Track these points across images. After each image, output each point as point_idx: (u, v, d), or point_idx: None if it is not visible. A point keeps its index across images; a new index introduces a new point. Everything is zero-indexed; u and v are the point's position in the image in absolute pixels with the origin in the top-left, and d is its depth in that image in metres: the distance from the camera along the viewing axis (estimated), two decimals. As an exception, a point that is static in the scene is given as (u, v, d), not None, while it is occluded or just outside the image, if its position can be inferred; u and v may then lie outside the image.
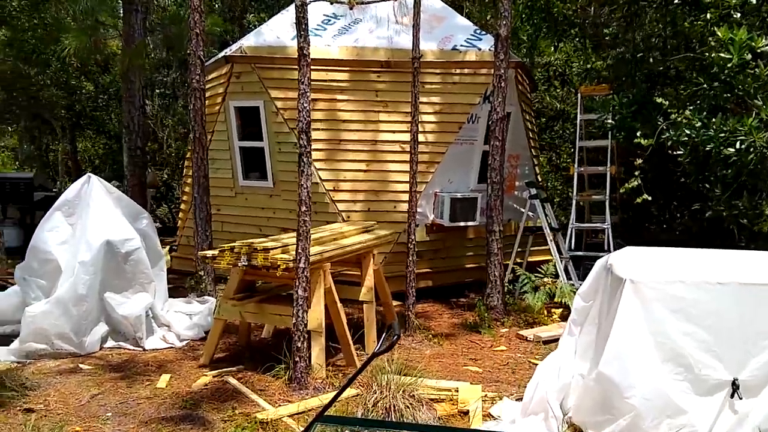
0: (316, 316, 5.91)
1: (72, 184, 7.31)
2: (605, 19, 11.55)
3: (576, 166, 9.46)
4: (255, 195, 9.83)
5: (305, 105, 5.49)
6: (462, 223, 9.38)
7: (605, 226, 9.17)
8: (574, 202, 9.40)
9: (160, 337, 7.08)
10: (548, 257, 10.34)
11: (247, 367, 6.27)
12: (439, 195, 9.29)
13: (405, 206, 9.09)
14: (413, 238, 7.36)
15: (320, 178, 9.12)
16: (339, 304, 6.34)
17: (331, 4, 5.23)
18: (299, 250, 5.53)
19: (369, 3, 5.21)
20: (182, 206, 11.31)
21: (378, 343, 4.33)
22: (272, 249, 5.81)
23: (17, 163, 21.06)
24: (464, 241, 9.75)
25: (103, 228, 6.84)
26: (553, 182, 14.87)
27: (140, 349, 6.84)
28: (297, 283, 5.55)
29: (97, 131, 17.01)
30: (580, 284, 8.70)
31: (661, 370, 4.54)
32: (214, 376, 6.06)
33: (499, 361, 6.81)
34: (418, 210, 9.24)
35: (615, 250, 9.36)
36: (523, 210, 10.26)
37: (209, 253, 6.09)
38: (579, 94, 9.67)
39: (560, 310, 8.41)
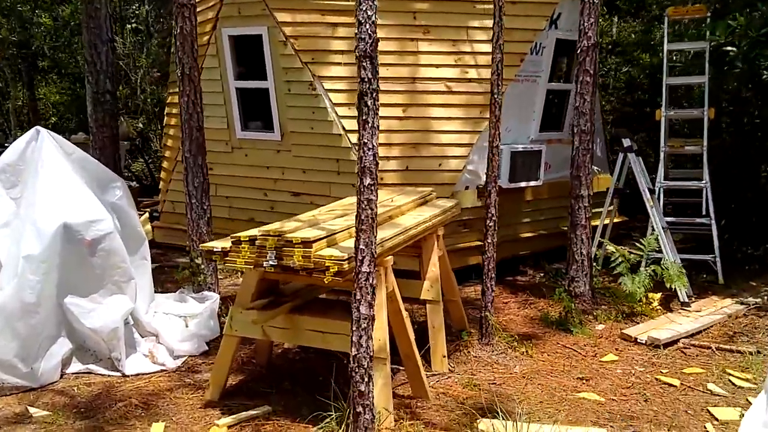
0: (378, 336, 3.96)
1: (14, 142, 5.24)
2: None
3: (663, 108, 7.47)
4: (257, 150, 7.77)
5: (369, 13, 3.43)
6: (523, 184, 7.44)
7: (703, 185, 7.25)
8: (662, 153, 7.44)
9: (145, 353, 5.11)
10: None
11: (276, 408, 4.33)
12: (495, 148, 7.29)
13: (453, 163, 7.18)
14: (494, 212, 5.38)
15: (343, 128, 7.07)
16: (405, 314, 4.40)
17: None
18: (362, 246, 3.55)
19: None
20: (164, 164, 9.20)
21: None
22: (314, 241, 3.82)
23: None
24: (521, 205, 7.81)
25: (58, 206, 4.79)
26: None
27: (118, 374, 4.87)
28: (358, 296, 3.59)
29: (59, 74, 14.65)
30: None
31: None
32: (230, 427, 4.11)
33: (617, 381, 4.94)
34: (468, 168, 7.29)
35: (714, 215, 7.57)
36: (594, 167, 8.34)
37: (217, 245, 4.08)
38: (666, 18, 7.62)
39: (658, 295, 6.55)
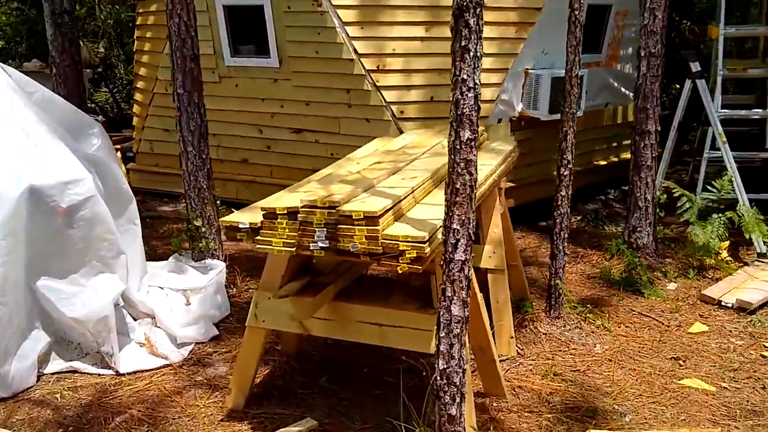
0: (456, 332, 3.01)
1: (-44, 79, 4.07)
2: None
3: (722, 25, 6.46)
4: (250, 79, 6.64)
5: None
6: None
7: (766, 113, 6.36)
8: (719, 78, 6.47)
9: (140, 340, 4.12)
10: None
11: (320, 419, 3.39)
12: (531, 73, 6.28)
13: (485, 92, 6.12)
14: (570, 158, 4.41)
15: (355, 51, 5.99)
16: (480, 296, 3.46)
17: None
18: (455, 225, 2.57)
19: None
20: (137, 96, 7.98)
21: None
22: (380, 215, 2.81)
23: None
24: (555, 140, 6.82)
25: (20, 163, 3.70)
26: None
27: (111, 372, 3.89)
28: (449, 293, 2.63)
29: (3, -9, 13.07)
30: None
31: None
32: (266, 454, 3.20)
33: (719, 361, 4.11)
34: (502, 97, 6.30)
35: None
36: (626, 91, 7.38)
37: (243, 220, 3.05)
38: None
39: (725, 243, 5.69)
